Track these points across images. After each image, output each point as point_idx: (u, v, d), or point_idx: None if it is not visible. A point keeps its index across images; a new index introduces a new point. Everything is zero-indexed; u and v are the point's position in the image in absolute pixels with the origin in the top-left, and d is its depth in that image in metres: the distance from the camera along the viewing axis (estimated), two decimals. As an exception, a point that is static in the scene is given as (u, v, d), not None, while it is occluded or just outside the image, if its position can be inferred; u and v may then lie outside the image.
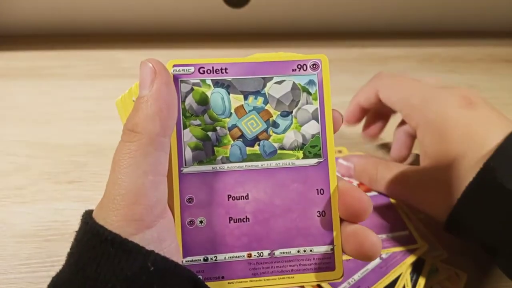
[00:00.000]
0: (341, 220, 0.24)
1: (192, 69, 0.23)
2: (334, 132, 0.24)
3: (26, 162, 0.42)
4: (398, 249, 0.32)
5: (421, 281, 0.31)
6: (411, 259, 0.31)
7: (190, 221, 0.23)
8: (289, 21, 0.63)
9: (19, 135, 0.45)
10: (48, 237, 0.35)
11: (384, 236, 0.33)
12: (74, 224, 0.38)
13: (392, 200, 0.36)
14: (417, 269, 0.31)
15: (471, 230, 0.29)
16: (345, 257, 0.24)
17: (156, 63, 0.21)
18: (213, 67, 0.23)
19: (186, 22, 0.62)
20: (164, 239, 0.21)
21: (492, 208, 0.28)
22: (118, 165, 0.20)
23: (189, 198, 0.23)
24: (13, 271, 0.33)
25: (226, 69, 0.23)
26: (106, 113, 0.48)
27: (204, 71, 0.23)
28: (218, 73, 0.23)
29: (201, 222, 0.23)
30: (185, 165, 0.23)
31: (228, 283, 0.23)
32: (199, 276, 0.22)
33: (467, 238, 0.31)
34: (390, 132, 0.41)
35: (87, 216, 0.20)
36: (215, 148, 0.23)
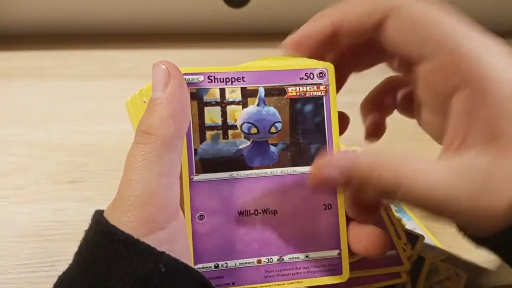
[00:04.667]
0: (350, 220, 0.24)
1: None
2: (342, 133, 0.24)
3: (26, 162, 0.42)
4: (382, 271, 0.31)
5: (421, 281, 0.31)
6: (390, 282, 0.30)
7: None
8: (289, 21, 0.63)
9: (19, 135, 0.45)
10: (48, 237, 0.35)
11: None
12: (74, 224, 0.38)
13: (382, 215, 0.35)
14: (417, 269, 0.31)
15: None
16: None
17: (170, 65, 0.22)
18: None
19: (186, 22, 0.62)
20: (176, 240, 0.21)
21: None
22: (132, 166, 0.20)
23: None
24: (13, 271, 0.33)
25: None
26: (106, 113, 0.48)
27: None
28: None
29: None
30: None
31: None
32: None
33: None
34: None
35: (99, 216, 0.20)
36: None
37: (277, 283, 0.23)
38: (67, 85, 0.53)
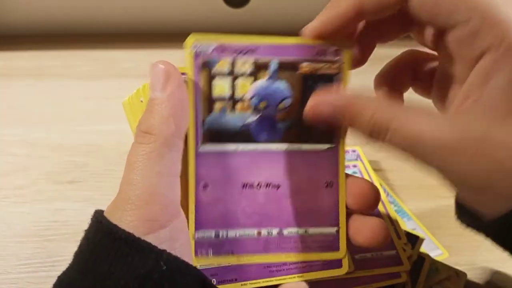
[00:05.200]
0: (352, 213, 0.24)
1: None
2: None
3: (26, 162, 0.42)
4: (382, 271, 0.31)
5: (421, 281, 0.31)
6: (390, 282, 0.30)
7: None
8: (289, 21, 0.63)
9: (19, 135, 0.45)
10: (48, 237, 0.35)
11: (369, 255, 0.31)
12: (74, 224, 0.38)
13: (386, 205, 0.35)
14: (417, 269, 0.31)
15: None
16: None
17: (168, 65, 0.22)
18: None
19: (186, 22, 0.62)
20: (177, 239, 0.21)
21: None
22: (133, 166, 0.20)
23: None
24: (13, 271, 0.33)
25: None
26: (106, 113, 0.48)
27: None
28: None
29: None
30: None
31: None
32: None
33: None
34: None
35: (99, 216, 0.20)
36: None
37: (275, 255, 0.24)
38: (67, 85, 0.53)
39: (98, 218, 0.20)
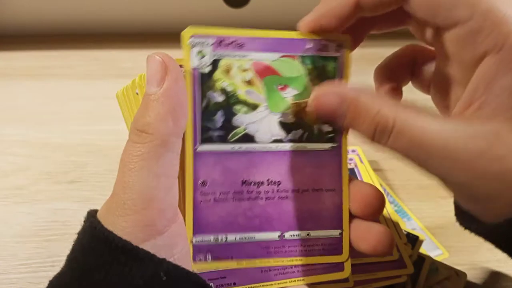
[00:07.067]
0: (355, 218, 0.23)
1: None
2: None
3: (26, 162, 0.42)
4: (385, 274, 0.31)
5: (421, 281, 0.31)
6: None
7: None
8: (289, 21, 0.63)
9: (19, 135, 0.45)
10: (48, 237, 0.35)
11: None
12: (74, 224, 0.38)
13: (387, 206, 0.35)
14: (417, 269, 0.31)
15: None
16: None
17: (166, 57, 0.20)
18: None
19: (186, 22, 0.62)
20: (176, 245, 0.20)
21: None
22: (127, 167, 0.19)
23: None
24: (13, 271, 0.33)
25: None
26: (106, 113, 0.48)
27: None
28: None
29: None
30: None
31: None
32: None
33: None
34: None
35: (94, 220, 0.19)
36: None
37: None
38: (67, 85, 0.53)
39: (93, 222, 0.19)
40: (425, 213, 0.37)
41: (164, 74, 0.20)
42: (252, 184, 0.23)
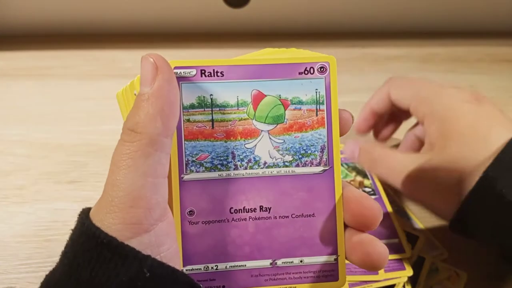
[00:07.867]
0: (348, 228, 0.23)
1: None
2: (344, 133, 0.23)
3: (26, 162, 0.42)
4: (385, 276, 0.31)
5: (421, 281, 0.31)
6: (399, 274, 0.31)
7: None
8: (289, 21, 0.63)
9: (19, 135, 0.45)
10: (48, 237, 0.35)
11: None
12: (74, 224, 0.38)
13: (387, 205, 0.36)
14: (417, 269, 0.31)
15: (476, 233, 0.30)
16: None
17: (158, 58, 0.20)
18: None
19: (186, 22, 0.62)
20: (163, 243, 0.20)
21: (493, 216, 0.29)
22: (117, 166, 0.19)
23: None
24: (13, 271, 0.33)
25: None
26: (106, 113, 0.48)
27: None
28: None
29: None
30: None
31: None
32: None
33: (473, 239, 0.32)
34: (401, 132, 0.41)
35: (84, 216, 0.20)
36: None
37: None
38: (67, 85, 0.53)
39: (83, 219, 0.19)
40: (425, 213, 0.37)
41: (155, 74, 0.20)
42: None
